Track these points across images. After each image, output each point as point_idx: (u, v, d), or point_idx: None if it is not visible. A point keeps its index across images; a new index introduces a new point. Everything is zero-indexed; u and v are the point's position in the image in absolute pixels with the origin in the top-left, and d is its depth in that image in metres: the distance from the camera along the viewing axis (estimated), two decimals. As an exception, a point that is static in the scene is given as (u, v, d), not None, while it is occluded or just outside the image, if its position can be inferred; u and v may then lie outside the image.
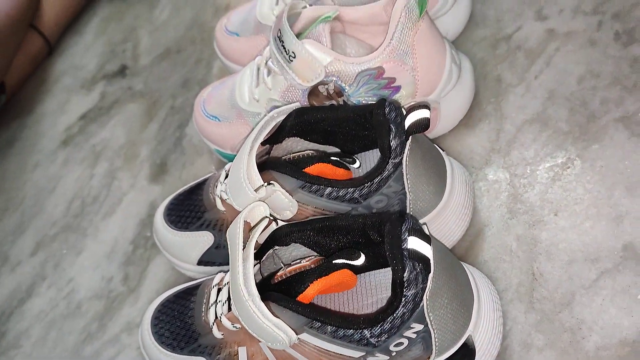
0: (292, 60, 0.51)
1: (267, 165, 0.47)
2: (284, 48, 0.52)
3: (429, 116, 0.42)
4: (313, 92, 0.53)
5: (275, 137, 0.49)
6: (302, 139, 0.51)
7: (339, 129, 0.50)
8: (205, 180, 0.55)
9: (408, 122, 0.42)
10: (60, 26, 0.88)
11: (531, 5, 0.60)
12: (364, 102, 0.52)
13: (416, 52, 0.50)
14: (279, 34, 0.52)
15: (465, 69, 0.55)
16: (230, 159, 0.60)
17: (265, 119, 0.48)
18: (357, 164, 0.49)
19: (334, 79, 0.51)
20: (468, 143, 0.54)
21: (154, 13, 0.86)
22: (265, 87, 0.56)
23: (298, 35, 0.55)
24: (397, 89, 0.51)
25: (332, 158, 0.48)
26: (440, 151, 0.47)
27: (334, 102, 0.53)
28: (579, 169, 0.49)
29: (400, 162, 0.42)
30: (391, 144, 0.41)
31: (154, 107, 0.74)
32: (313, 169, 0.45)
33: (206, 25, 0.80)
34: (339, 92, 0.52)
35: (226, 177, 0.50)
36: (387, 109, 0.43)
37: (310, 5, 0.57)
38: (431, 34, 0.51)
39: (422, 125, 0.41)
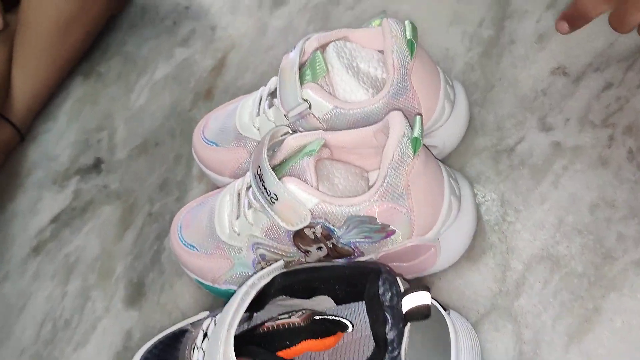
0: (274, 203, 0.46)
1: (246, 339, 0.42)
2: (265, 188, 0.47)
3: (429, 302, 0.37)
4: (299, 233, 0.48)
5: (257, 304, 0.44)
6: (289, 297, 0.45)
7: (328, 286, 0.44)
8: (183, 332, 0.49)
9: (405, 307, 0.37)
10: (32, 112, 0.83)
11: (534, 111, 0.56)
12: (355, 242, 0.47)
13: (411, 192, 0.45)
14: (259, 172, 0.47)
15: (465, 198, 0.50)
16: (212, 290, 0.55)
17: (247, 285, 0.43)
18: (350, 329, 0.44)
19: (322, 221, 0.46)
20: (471, 281, 0.49)
21: (131, 97, 0.81)
22: (246, 221, 0.50)
23: (281, 165, 0.51)
24: (392, 232, 0.46)
25: (322, 322, 0.43)
26: (445, 316, 0.42)
27: (321, 244, 0.48)
28: (597, 325, 0.44)
29: (399, 355, 0.37)
30: (387, 336, 0.36)
31: (131, 213, 0.68)
32: (298, 349, 0.40)
33: (185, 115, 0.74)
34: (327, 235, 0.47)
35: (203, 339, 0.45)
36: (381, 289, 0.38)
37: (293, 132, 0.52)
38: (427, 170, 0.46)
39: (422, 314, 0.36)
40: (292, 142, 0.50)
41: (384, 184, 0.44)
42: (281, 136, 0.51)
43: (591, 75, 0.55)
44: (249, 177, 0.52)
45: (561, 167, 0.51)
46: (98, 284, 0.64)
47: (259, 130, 0.57)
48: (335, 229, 0.46)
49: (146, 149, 0.74)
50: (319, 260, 0.50)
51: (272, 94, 0.57)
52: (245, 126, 0.58)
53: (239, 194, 0.53)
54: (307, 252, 0.49)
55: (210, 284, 0.55)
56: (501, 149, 0.55)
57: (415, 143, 0.44)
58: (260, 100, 0.58)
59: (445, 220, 0.47)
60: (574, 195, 0.50)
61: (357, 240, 0.47)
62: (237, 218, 0.52)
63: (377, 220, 0.44)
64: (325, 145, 0.50)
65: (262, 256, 0.51)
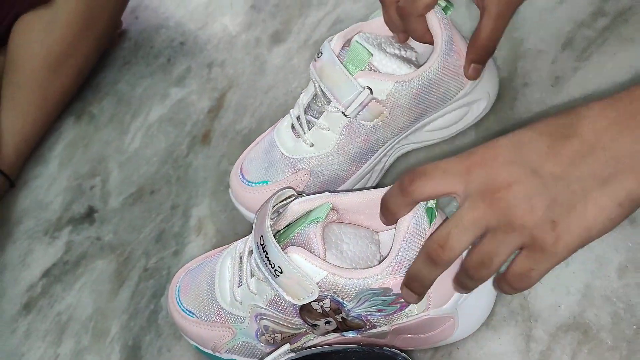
0: (278, 276, 0.43)
1: None
2: (268, 260, 0.43)
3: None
4: (306, 307, 0.44)
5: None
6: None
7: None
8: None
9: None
10: (22, 156, 0.80)
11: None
12: (367, 315, 0.44)
13: (427, 263, 0.41)
14: (262, 242, 0.44)
15: (484, 263, 0.46)
16: (213, 358, 0.52)
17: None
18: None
19: (330, 294, 0.42)
20: (493, 352, 0.46)
21: (124, 140, 0.77)
22: (248, 290, 0.47)
23: (285, 230, 0.47)
24: (406, 305, 0.43)
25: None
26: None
27: (330, 319, 0.44)
28: (633, 409, 0.40)
29: None
30: None
31: (125, 267, 0.65)
32: None
33: (181, 161, 0.71)
34: (337, 309, 0.43)
35: None
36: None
37: (298, 195, 0.48)
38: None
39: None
40: (296, 208, 0.46)
41: (398, 257, 0.41)
42: (285, 199, 0.48)
43: (613, 122, 0.52)
44: (250, 240, 0.48)
45: (585, 224, 0.48)
46: (92, 346, 0.61)
47: (312, 146, 0.55)
48: (345, 302, 0.43)
49: (141, 197, 0.70)
50: (326, 333, 0.46)
51: (306, 110, 0.55)
52: (292, 149, 0.55)
53: (240, 259, 0.49)
54: (314, 325, 0.45)
55: (211, 352, 0.51)
56: (519, 203, 0.51)
57: (431, 213, 0.40)
58: (299, 119, 0.55)
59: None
60: (601, 257, 0.46)
61: (369, 313, 0.43)
62: (239, 286, 0.48)
63: (392, 291, 0.41)
64: (332, 208, 0.46)
65: (266, 327, 0.47)
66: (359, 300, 0.42)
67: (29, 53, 0.78)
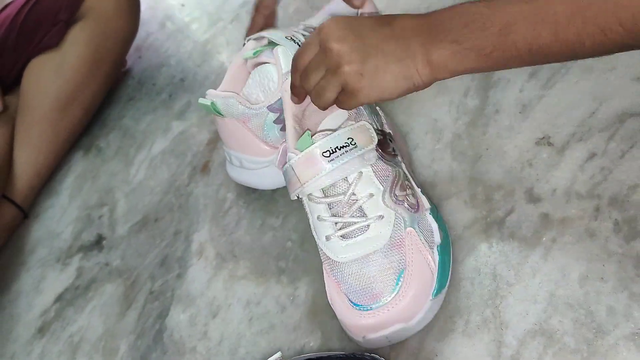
0: None
1: None
2: None
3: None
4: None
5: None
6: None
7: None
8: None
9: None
10: (34, 190, 0.85)
11: (521, 182, 0.57)
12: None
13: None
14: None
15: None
16: None
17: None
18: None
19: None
20: (467, 357, 0.50)
21: (130, 171, 0.83)
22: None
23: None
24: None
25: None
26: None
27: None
28: (592, 405, 0.44)
29: None
30: None
31: (132, 290, 0.70)
32: None
33: (183, 190, 0.76)
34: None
35: None
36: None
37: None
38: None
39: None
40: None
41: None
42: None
43: (575, 145, 0.57)
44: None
45: (550, 239, 0.53)
46: (102, 366, 0.65)
47: None
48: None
49: (146, 224, 0.75)
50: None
51: None
52: None
53: None
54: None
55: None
56: (491, 221, 0.56)
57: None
58: None
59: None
60: (563, 268, 0.51)
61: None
62: None
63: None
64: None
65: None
66: None
67: (40, 94, 0.84)
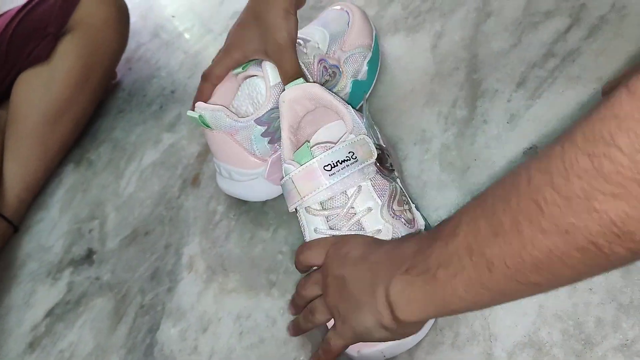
0: None
1: None
2: None
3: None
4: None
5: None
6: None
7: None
8: None
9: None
10: (25, 203, 0.85)
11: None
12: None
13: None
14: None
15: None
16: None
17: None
18: None
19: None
20: (457, 370, 0.50)
21: (120, 184, 0.83)
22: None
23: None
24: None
25: None
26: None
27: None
28: (581, 417, 0.44)
29: None
30: None
31: (123, 304, 0.69)
32: None
33: (174, 202, 0.76)
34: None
35: None
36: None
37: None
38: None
39: None
40: None
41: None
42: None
43: (562, 155, 0.57)
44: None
45: (538, 249, 0.53)
46: (93, 381, 0.65)
47: None
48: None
49: (136, 237, 0.75)
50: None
51: None
52: None
53: None
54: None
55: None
56: (480, 231, 0.56)
57: None
58: None
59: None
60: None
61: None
62: None
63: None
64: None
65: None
66: None
67: (30, 107, 0.84)
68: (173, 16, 1.07)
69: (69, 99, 0.85)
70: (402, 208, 0.54)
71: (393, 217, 0.53)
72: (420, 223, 0.55)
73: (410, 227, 0.53)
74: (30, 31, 0.86)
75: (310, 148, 0.53)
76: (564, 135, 0.31)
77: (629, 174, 0.27)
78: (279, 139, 0.58)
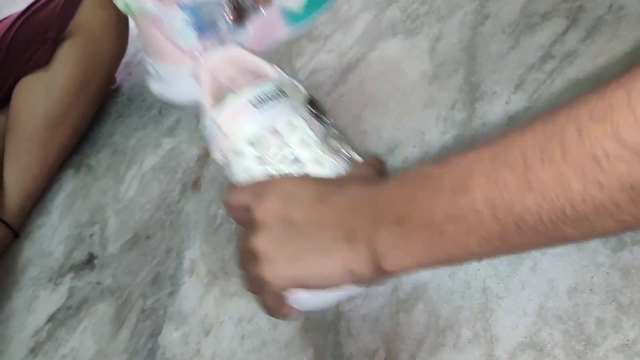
0: None
1: None
2: None
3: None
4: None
5: None
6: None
7: None
8: None
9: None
10: (25, 209, 0.85)
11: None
12: None
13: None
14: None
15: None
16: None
17: None
18: None
19: None
20: (459, 372, 0.50)
21: (120, 189, 0.83)
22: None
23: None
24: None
25: None
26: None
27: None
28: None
29: None
30: None
31: (124, 309, 0.69)
32: None
33: (174, 206, 0.76)
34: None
35: None
36: None
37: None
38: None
39: None
40: None
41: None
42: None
43: (561, 156, 0.57)
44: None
45: (539, 251, 0.53)
46: (95, 386, 0.65)
47: None
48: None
49: (137, 242, 0.75)
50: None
51: None
52: None
53: None
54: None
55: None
56: (480, 233, 0.56)
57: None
58: None
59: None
60: (552, 280, 0.51)
61: None
62: None
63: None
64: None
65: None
66: None
67: (30, 113, 0.84)
68: (171, 20, 1.07)
69: (69, 104, 0.85)
70: (340, 146, 0.49)
71: (332, 152, 0.48)
72: (360, 161, 0.51)
73: (353, 164, 0.49)
74: (30, 36, 0.86)
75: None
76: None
77: None
78: (208, 31, 0.54)
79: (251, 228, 0.43)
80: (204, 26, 0.56)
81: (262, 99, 0.46)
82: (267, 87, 0.47)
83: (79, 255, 0.78)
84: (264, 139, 0.47)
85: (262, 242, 0.41)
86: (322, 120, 0.50)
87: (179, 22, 0.56)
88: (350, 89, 0.74)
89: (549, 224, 0.30)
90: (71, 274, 0.77)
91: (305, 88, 0.54)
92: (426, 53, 0.72)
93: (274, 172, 0.47)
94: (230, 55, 0.52)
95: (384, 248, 0.37)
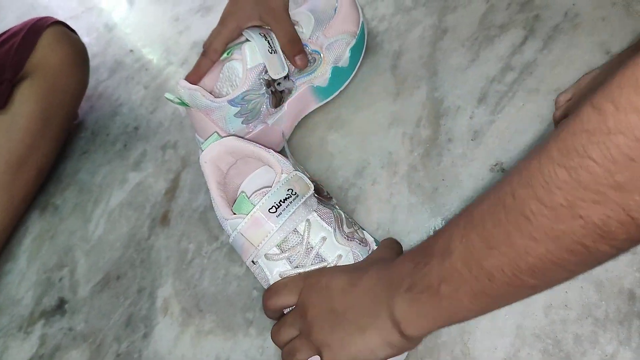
0: None
1: None
2: None
3: None
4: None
5: None
6: None
7: None
8: None
9: None
10: (-9, 256, 0.82)
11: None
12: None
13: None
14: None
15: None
16: None
17: None
18: None
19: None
20: (440, 399, 0.49)
21: (88, 228, 0.81)
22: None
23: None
24: None
25: None
26: None
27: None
28: None
29: None
30: None
31: (98, 355, 0.67)
32: None
33: (144, 243, 0.74)
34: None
35: None
36: None
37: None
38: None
39: None
40: None
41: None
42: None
43: (527, 170, 0.57)
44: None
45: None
46: None
47: None
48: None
49: (108, 283, 0.73)
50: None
51: None
52: None
53: None
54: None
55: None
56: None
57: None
58: None
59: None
60: (527, 298, 0.50)
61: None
62: None
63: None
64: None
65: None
66: None
67: (-9, 157, 0.82)
68: (131, 50, 1.05)
69: (31, 145, 0.83)
70: (352, 229, 0.55)
71: (348, 240, 0.54)
72: (371, 240, 0.56)
73: (364, 246, 0.55)
74: (-15, 79, 0.84)
75: (249, 197, 0.54)
76: (539, 149, 0.33)
77: (604, 182, 0.30)
78: (254, 119, 0.64)
79: (304, 327, 0.49)
80: (250, 115, 0.65)
81: (278, 205, 0.51)
82: (281, 193, 0.52)
83: (49, 301, 0.76)
84: (288, 241, 0.52)
85: (320, 335, 0.47)
86: (329, 205, 0.55)
87: (229, 114, 0.64)
88: (314, 110, 0.73)
89: (512, 276, 0.35)
90: (42, 321, 0.74)
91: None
92: (388, 70, 0.72)
93: (303, 270, 0.52)
94: (227, 145, 0.57)
95: (401, 315, 0.43)
